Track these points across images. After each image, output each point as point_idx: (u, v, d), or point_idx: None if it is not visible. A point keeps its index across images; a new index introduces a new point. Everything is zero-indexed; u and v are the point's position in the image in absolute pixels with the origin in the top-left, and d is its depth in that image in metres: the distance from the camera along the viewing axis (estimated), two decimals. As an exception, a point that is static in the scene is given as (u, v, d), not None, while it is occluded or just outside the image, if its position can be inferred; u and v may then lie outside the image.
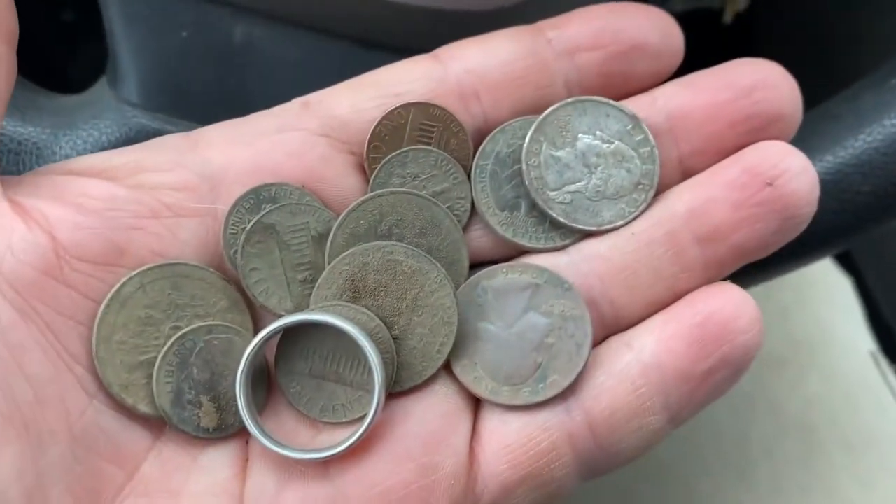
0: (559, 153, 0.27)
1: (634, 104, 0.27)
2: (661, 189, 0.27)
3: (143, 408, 0.24)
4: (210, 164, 0.25)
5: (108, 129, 0.30)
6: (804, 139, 0.30)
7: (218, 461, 0.24)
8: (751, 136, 0.26)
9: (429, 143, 0.27)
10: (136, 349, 0.24)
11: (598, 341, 0.26)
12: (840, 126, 0.32)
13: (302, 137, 0.26)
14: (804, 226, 0.26)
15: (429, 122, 0.27)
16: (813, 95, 0.31)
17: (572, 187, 0.27)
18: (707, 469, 0.56)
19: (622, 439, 0.25)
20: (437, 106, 0.26)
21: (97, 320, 0.23)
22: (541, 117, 0.27)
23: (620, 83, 0.27)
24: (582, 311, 0.26)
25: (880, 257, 0.63)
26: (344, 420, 0.25)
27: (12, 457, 0.21)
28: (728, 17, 0.53)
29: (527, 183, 0.26)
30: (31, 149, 0.30)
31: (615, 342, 0.26)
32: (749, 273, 0.30)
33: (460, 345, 0.26)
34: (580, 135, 0.27)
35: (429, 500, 0.24)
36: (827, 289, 0.63)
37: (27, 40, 0.31)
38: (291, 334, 0.25)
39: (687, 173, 0.27)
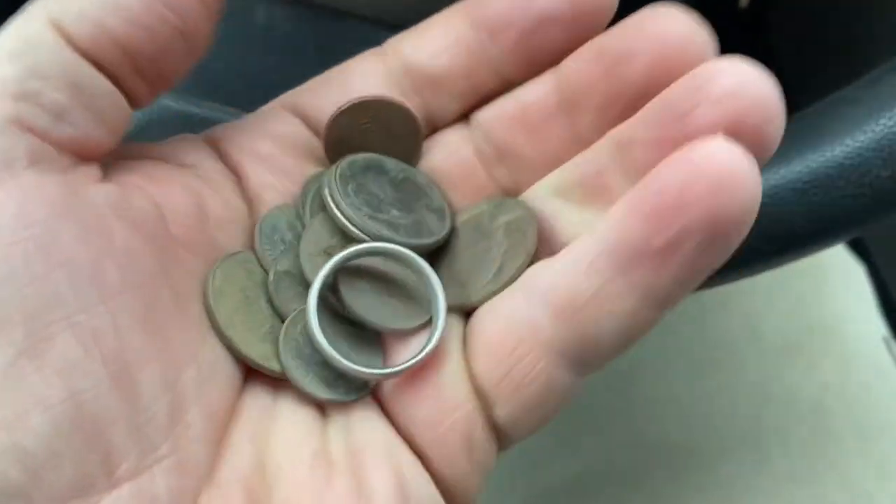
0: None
1: (541, 81, 0.29)
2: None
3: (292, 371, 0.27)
4: (231, 156, 0.30)
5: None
6: (824, 124, 0.30)
7: (294, 397, 0.27)
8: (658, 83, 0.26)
9: (373, 137, 0.29)
10: (255, 324, 0.27)
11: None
12: (860, 110, 0.32)
13: (294, 129, 0.30)
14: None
15: (368, 122, 0.29)
16: (833, 79, 0.31)
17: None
18: (721, 455, 0.56)
19: (595, 324, 0.25)
20: (386, 100, 0.29)
21: (212, 311, 0.26)
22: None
23: (543, 55, 0.28)
24: (522, 209, 0.28)
25: (893, 243, 0.63)
26: (413, 325, 0.28)
27: (156, 372, 0.24)
28: (744, 1, 0.53)
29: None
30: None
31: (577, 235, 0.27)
32: (766, 257, 0.30)
33: (439, 274, 0.28)
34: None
35: (440, 396, 0.26)
36: (841, 276, 0.63)
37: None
38: (346, 268, 0.28)
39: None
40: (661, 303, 0.25)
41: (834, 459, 0.56)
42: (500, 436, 0.27)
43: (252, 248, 0.28)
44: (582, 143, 0.28)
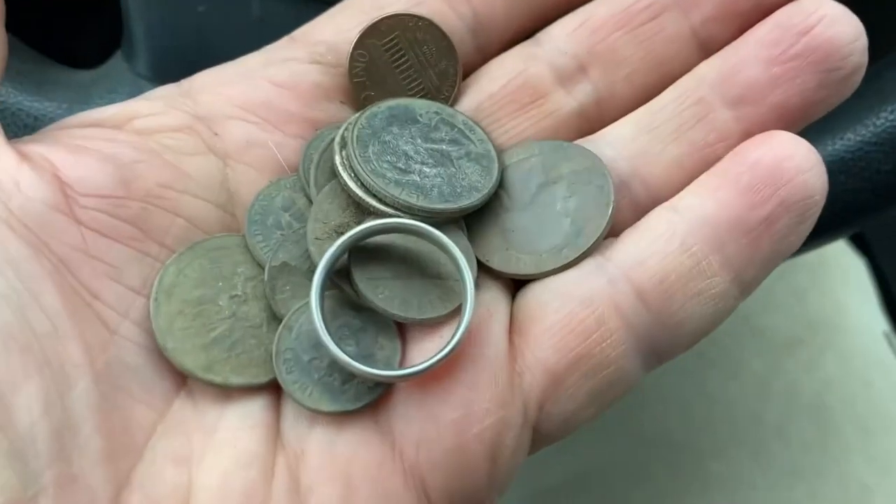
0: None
1: None
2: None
3: (235, 380, 0.23)
4: (203, 105, 0.25)
5: (124, 104, 0.30)
6: (825, 118, 0.30)
7: (251, 393, 0.24)
8: None
9: (404, 59, 0.26)
10: (202, 329, 0.24)
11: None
12: (861, 104, 0.32)
13: (292, 68, 0.26)
14: (853, 80, 0.24)
15: (393, 42, 0.26)
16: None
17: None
18: (721, 450, 0.56)
19: (682, 308, 0.23)
20: (410, 15, 0.25)
21: (151, 315, 0.23)
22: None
23: None
24: (590, 158, 0.24)
25: (894, 238, 0.63)
26: (444, 313, 0.24)
27: (37, 391, 0.21)
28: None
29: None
30: (48, 124, 0.30)
31: (657, 209, 0.24)
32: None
33: (487, 237, 0.25)
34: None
35: (471, 398, 0.23)
36: (842, 270, 0.63)
37: (41, 14, 0.31)
38: (360, 248, 0.24)
39: (706, 48, 0.25)
40: (747, 285, 0.24)
41: (834, 455, 0.56)
42: (540, 435, 0.25)
43: (230, 229, 0.25)
44: (699, 42, 0.25)
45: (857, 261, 0.63)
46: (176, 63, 0.31)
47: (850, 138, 0.32)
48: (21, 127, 0.30)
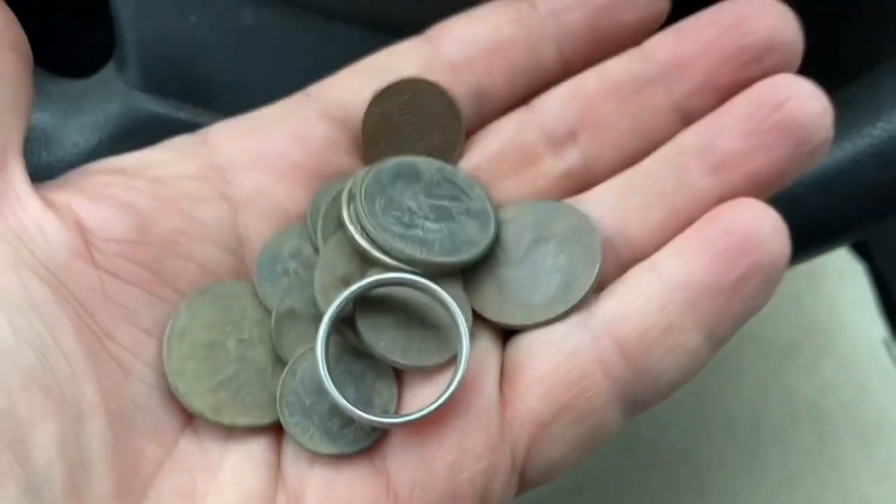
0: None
1: (627, 58, 0.27)
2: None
3: (242, 421, 0.24)
4: (217, 154, 0.26)
5: (116, 115, 0.30)
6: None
7: (254, 433, 0.25)
8: (748, 69, 0.26)
9: (413, 120, 0.27)
10: (211, 372, 0.24)
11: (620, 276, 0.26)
12: (858, 113, 0.32)
13: (304, 122, 0.27)
14: (820, 152, 0.25)
15: (406, 103, 0.27)
16: (831, 82, 0.30)
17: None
18: (719, 457, 0.56)
19: (659, 361, 0.25)
20: (425, 81, 0.27)
21: (164, 358, 0.24)
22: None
23: (609, 37, 0.27)
24: (579, 218, 0.26)
25: (893, 243, 0.63)
26: (440, 361, 0.25)
27: (54, 430, 0.21)
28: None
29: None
30: (40, 134, 0.30)
31: (638, 268, 0.26)
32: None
33: (483, 289, 0.26)
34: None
35: (464, 443, 0.24)
36: (840, 276, 0.63)
37: (34, 24, 0.31)
38: (365, 298, 0.25)
39: (687, 117, 0.27)
40: (719, 340, 0.25)
41: (832, 461, 0.56)
42: (525, 481, 0.26)
43: (239, 273, 0.26)
44: (680, 113, 0.27)
45: (856, 266, 0.63)
46: (168, 73, 0.31)
47: (847, 148, 0.32)
48: (13, 137, 0.30)
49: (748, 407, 0.57)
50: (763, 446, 0.56)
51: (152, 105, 0.31)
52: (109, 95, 0.31)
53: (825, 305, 0.61)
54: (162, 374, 0.24)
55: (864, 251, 0.63)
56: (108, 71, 0.32)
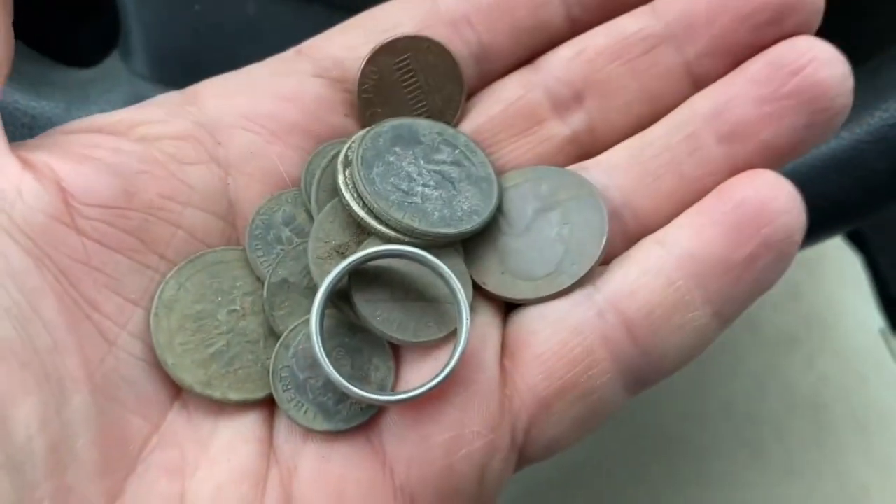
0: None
1: (637, 16, 0.26)
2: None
3: (234, 395, 0.24)
4: (206, 113, 0.25)
5: (121, 103, 0.30)
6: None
7: (245, 406, 0.24)
8: (766, 30, 0.25)
9: (413, 79, 0.26)
10: (201, 345, 0.24)
11: (626, 249, 0.25)
12: (857, 101, 0.32)
13: (297, 80, 0.26)
14: (838, 120, 0.24)
15: (405, 62, 0.26)
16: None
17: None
18: (718, 447, 0.56)
19: (664, 339, 0.24)
20: (424, 38, 0.26)
21: (152, 330, 0.23)
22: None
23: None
24: (585, 187, 0.25)
25: (890, 234, 0.63)
26: (439, 336, 0.24)
27: (35, 406, 0.21)
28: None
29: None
30: (45, 123, 0.30)
31: (646, 242, 0.25)
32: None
33: (484, 260, 0.25)
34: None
35: (462, 420, 0.23)
36: (838, 267, 0.63)
37: (39, 13, 0.31)
38: (360, 271, 0.24)
39: (699, 81, 0.26)
40: (727, 318, 0.24)
41: (831, 452, 0.56)
42: (524, 457, 0.25)
43: (230, 239, 0.25)
44: (692, 76, 0.26)
45: (853, 257, 0.63)
46: (172, 61, 0.31)
47: (844, 136, 0.32)
48: (18, 126, 0.30)
49: (747, 397, 0.57)
50: (762, 436, 0.56)
51: (156, 93, 0.31)
52: (114, 84, 0.31)
53: (823, 297, 0.61)
54: (149, 346, 0.23)
55: (860, 242, 0.63)
56: (113, 60, 0.32)
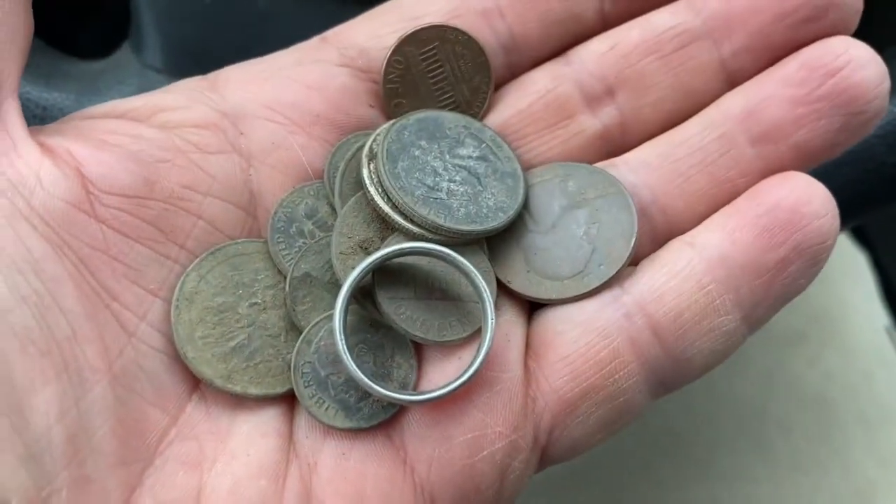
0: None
1: (672, 10, 0.25)
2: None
3: (254, 390, 0.23)
4: (229, 101, 0.25)
5: (132, 95, 0.30)
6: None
7: (265, 400, 0.24)
8: (803, 28, 0.24)
9: (439, 70, 0.26)
10: (222, 338, 0.23)
11: (655, 250, 0.24)
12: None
13: (322, 69, 0.25)
14: (873, 123, 0.24)
15: (431, 52, 0.25)
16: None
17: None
18: (725, 443, 0.56)
19: (692, 344, 0.23)
20: (451, 28, 0.25)
21: (172, 323, 0.23)
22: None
23: None
24: (615, 185, 0.24)
25: (895, 232, 0.63)
26: (463, 336, 0.24)
27: (54, 395, 0.20)
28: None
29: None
30: (57, 114, 0.30)
31: (675, 243, 0.24)
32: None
33: (509, 259, 0.24)
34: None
35: (485, 421, 0.23)
36: (844, 265, 0.63)
37: (50, 5, 0.31)
38: (384, 267, 0.24)
39: (733, 79, 0.25)
40: (756, 323, 0.24)
41: (836, 448, 0.56)
42: (546, 458, 0.25)
43: (251, 231, 0.24)
44: (727, 73, 0.25)
45: (858, 255, 0.63)
46: (184, 54, 0.31)
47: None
48: (30, 117, 0.30)
49: (754, 394, 0.57)
50: (768, 433, 0.56)
51: (167, 85, 0.31)
52: (125, 75, 0.31)
53: (829, 295, 0.61)
54: (168, 338, 0.23)
55: (866, 240, 0.63)
56: (124, 52, 0.32)
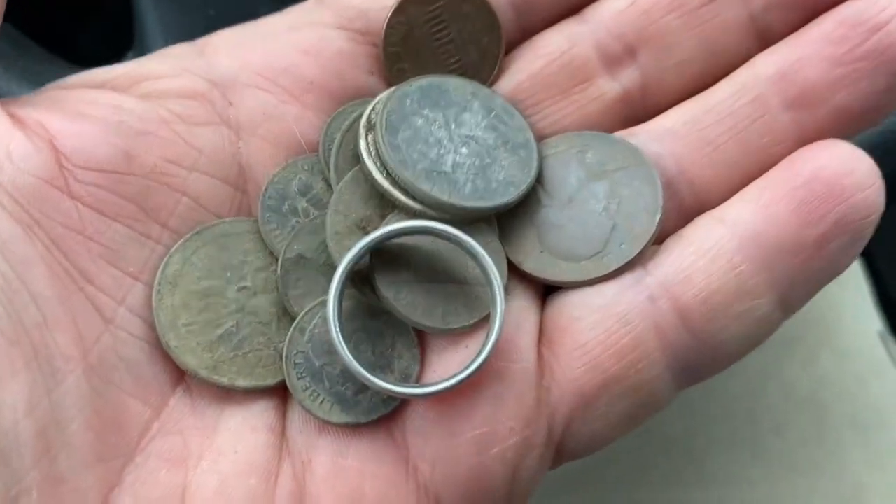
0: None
1: None
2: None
3: (242, 382, 0.22)
4: (217, 68, 0.23)
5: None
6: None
7: (255, 393, 0.22)
8: None
9: (445, 31, 0.24)
10: (208, 325, 0.22)
11: (681, 226, 0.23)
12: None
13: (317, 33, 0.24)
14: None
15: (436, 12, 0.23)
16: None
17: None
18: (718, 446, 0.56)
19: (723, 329, 0.22)
20: None
21: (154, 309, 0.21)
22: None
23: None
24: (637, 156, 0.22)
25: (889, 236, 0.63)
26: (469, 323, 0.22)
27: (22, 387, 0.19)
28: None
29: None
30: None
31: (704, 219, 0.22)
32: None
33: (521, 237, 0.23)
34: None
35: (495, 415, 0.21)
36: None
37: (53, 15, 0.31)
38: (382, 249, 0.22)
39: (765, 37, 0.23)
40: (792, 306, 0.22)
41: (830, 451, 0.56)
42: (563, 454, 0.23)
43: (241, 209, 0.23)
44: (757, 31, 0.23)
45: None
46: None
47: (848, 139, 0.32)
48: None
49: (747, 397, 0.57)
50: (762, 436, 0.56)
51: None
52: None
53: (823, 298, 0.61)
54: (150, 325, 0.21)
55: (860, 245, 0.63)
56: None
